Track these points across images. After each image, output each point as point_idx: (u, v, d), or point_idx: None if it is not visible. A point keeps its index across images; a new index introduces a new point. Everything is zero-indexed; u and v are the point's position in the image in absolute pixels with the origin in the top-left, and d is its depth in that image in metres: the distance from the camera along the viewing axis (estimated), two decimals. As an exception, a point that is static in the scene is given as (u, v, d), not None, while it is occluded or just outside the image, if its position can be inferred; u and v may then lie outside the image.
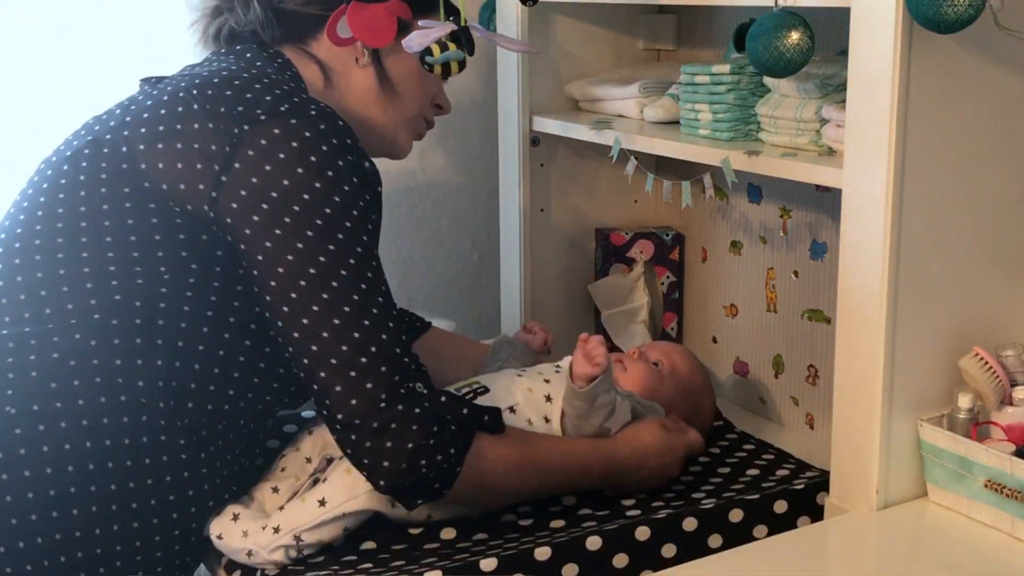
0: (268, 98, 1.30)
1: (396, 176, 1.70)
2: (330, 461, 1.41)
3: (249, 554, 1.30)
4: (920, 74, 1.23)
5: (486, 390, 1.45)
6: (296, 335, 1.25)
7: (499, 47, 1.69)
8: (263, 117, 1.28)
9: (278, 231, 1.25)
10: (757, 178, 1.74)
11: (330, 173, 1.26)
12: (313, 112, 1.30)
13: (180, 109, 1.30)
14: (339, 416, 1.24)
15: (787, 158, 1.41)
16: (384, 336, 1.26)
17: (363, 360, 1.24)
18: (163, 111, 1.31)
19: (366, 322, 1.25)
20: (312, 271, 1.25)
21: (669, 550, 1.34)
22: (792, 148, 1.46)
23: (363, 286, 1.26)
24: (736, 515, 1.38)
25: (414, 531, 1.37)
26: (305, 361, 1.25)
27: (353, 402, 1.23)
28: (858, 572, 1.28)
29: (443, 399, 1.28)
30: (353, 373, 1.24)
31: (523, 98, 1.86)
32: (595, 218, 1.99)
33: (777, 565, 1.26)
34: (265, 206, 1.25)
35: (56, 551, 1.22)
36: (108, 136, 1.33)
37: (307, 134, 1.27)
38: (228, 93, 1.30)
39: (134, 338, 1.26)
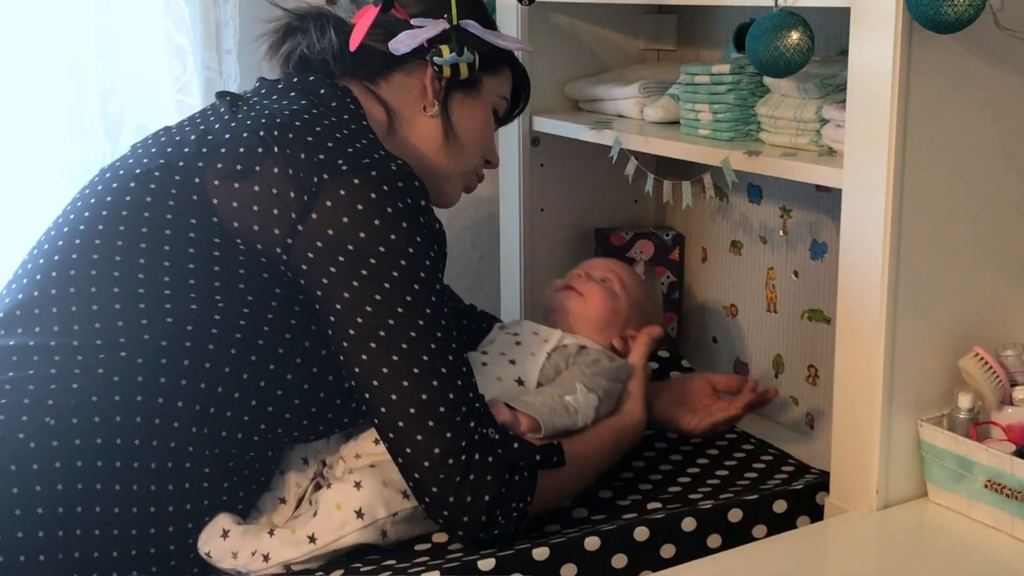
0: (349, 150, 1.30)
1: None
2: (324, 464, 1.40)
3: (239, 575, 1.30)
4: (920, 74, 1.23)
5: None
6: (376, 383, 1.27)
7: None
8: (344, 167, 1.28)
9: (356, 283, 1.26)
10: (757, 178, 1.74)
11: (405, 225, 1.27)
12: (393, 168, 1.30)
13: (260, 150, 1.29)
14: (423, 464, 1.26)
15: (787, 158, 1.41)
16: (460, 382, 1.28)
17: (441, 409, 1.26)
18: (241, 149, 1.30)
19: (444, 369, 1.27)
20: (391, 322, 1.26)
21: (668, 550, 1.34)
22: (792, 148, 1.46)
23: (439, 334, 1.28)
24: (735, 515, 1.38)
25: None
26: (383, 410, 1.27)
27: (436, 451, 1.26)
28: (858, 572, 1.28)
29: (515, 445, 1.30)
30: (432, 423, 1.26)
31: (523, 98, 1.86)
32: (595, 218, 1.99)
33: (777, 565, 1.26)
34: (341, 258, 1.26)
35: (55, 547, 1.21)
36: (181, 164, 1.32)
37: (385, 188, 1.28)
38: (309, 139, 1.30)
39: (182, 360, 1.26)
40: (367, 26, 1.42)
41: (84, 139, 1.83)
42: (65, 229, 1.34)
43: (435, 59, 1.40)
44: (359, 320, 1.26)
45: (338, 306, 1.27)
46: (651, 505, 1.43)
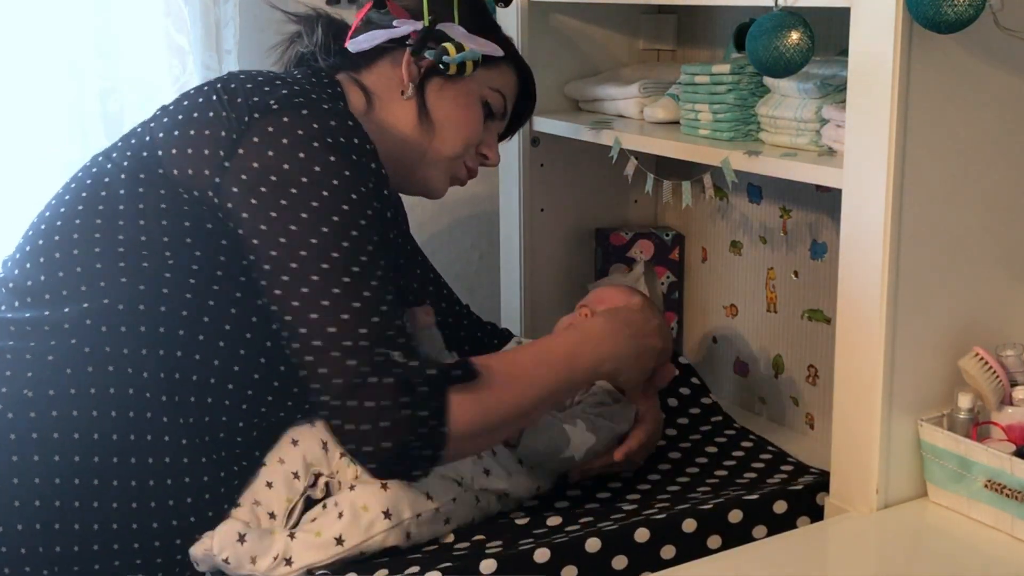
0: (285, 92, 1.32)
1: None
2: (318, 476, 1.39)
3: None
4: (920, 74, 1.23)
5: None
6: (288, 318, 1.25)
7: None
8: (275, 106, 1.29)
9: (273, 213, 1.26)
10: (757, 178, 1.74)
11: (332, 159, 1.27)
12: (325, 107, 1.31)
13: (200, 100, 1.33)
14: (324, 399, 1.24)
15: (787, 158, 1.41)
16: (375, 319, 1.25)
17: (348, 343, 1.23)
18: (186, 102, 1.34)
19: (356, 304, 1.24)
20: (303, 253, 1.25)
21: (668, 551, 1.34)
22: (792, 148, 1.46)
23: (355, 269, 1.26)
24: (735, 516, 1.38)
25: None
26: (296, 345, 1.25)
27: (336, 381, 1.23)
28: (858, 572, 1.28)
29: (413, 364, 1.25)
30: (337, 354, 1.23)
31: (523, 98, 1.86)
32: (595, 218, 1.99)
33: (777, 565, 1.26)
34: (263, 189, 1.26)
35: (53, 540, 1.23)
36: (139, 129, 1.37)
37: (314, 125, 1.28)
38: (249, 86, 1.32)
39: (139, 326, 1.27)
40: (357, 21, 1.46)
41: (84, 139, 1.83)
42: (47, 211, 1.38)
43: (444, 58, 1.41)
44: (273, 252, 1.25)
45: (255, 240, 1.26)
46: (651, 501, 1.43)
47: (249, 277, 1.29)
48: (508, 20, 1.83)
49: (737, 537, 1.37)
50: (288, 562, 1.27)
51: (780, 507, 1.41)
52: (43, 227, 1.35)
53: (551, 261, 1.96)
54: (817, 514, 1.41)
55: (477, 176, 1.58)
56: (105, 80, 1.84)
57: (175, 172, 1.30)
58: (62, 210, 1.34)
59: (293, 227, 1.25)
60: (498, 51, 1.46)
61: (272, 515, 1.35)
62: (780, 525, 1.40)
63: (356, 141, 1.30)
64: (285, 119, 1.28)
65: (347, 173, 1.28)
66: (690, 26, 1.92)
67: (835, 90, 1.41)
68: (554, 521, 1.39)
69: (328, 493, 1.38)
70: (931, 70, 1.24)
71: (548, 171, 1.92)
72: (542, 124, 1.86)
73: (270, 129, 1.27)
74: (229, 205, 1.28)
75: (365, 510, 1.29)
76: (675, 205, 1.65)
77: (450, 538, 1.36)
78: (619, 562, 1.31)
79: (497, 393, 1.31)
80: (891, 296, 1.28)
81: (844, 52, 1.30)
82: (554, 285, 1.97)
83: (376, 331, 1.24)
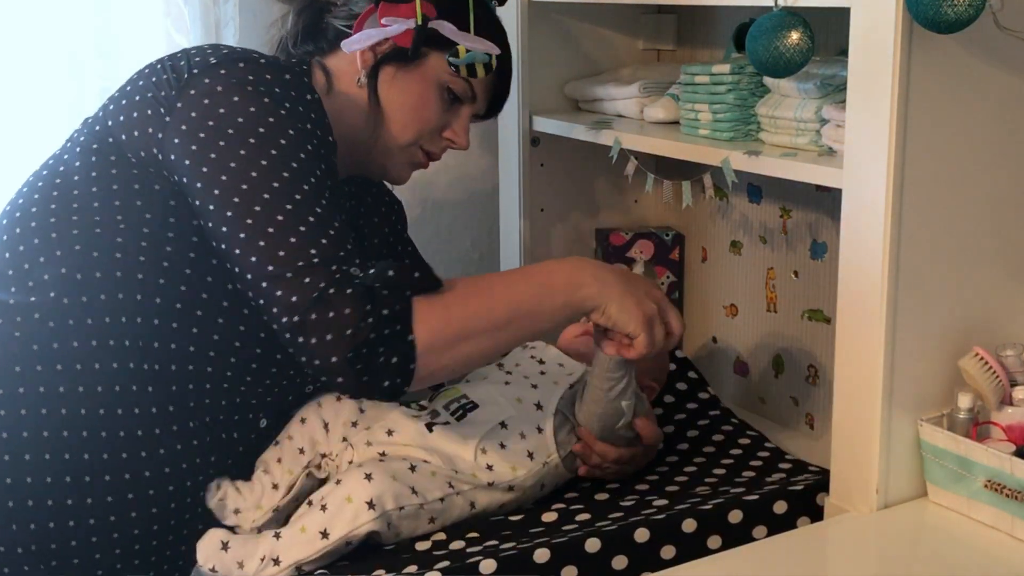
0: (225, 51, 1.34)
1: (396, 176, 1.70)
2: (324, 456, 1.40)
3: None
4: (920, 74, 1.23)
5: (475, 405, 1.45)
6: (237, 252, 1.26)
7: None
8: (213, 61, 1.32)
9: (213, 155, 1.27)
10: (757, 178, 1.74)
11: (266, 100, 1.29)
12: (263, 61, 1.33)
13: (147, 71, 1.36)
14: (284, 320, 1.23)
15: (787, 158, 1.41)
16: (324, 241, 1.25)
17: (300, 263, 1.23)
18: (135, 75, 1.37)
19: (302, 228, 1.25)
20: (245, 186, 1.26)
21: (668, 551, 1.34)
22: (792, 148, 1.46)
23: (298, 196, 1.26)
24: (735, 516, 1.38)
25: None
26: (249, 277, 1.25)
27: (294, 299, 1.22)
28: (858, 572, 1.28)
29: (372, 271, 1.24)
30: (290, 274, 1.23)
31: (523, 98, 1.86)
32: (595, 218, 1.99)
33: (777, 565, 1.26)
34: (201, 135, 1.28)
35: (47, 539, 1.25)
36: (100, 113, 1.38)
37: (250, 76, 1.30)
38: (194, 51, 1.35)
39: (98, 294, 1.28)
40: (357, 27, 1.45)
41: (84, 139, 1.83)
42: (16, 199, 1.40)
43: (451, 59, 1.41)
44: (216, 191, 1.26)
45: (199, 184, 1.28)
46: (648, 498, 1.43)
47: (201, 236, 1.30)
48: (508, 20, 1.83)
49: (737, 537, 1.37)
50: (276, 562, 1.28)
51: (780, 507, 1.40)
52: (8, 209, 1.37)
53: (551, 261, 1.96)
54: (817, 514, 1.41)
55: (439, 160, 1.56)
56: (105, 80, 1.84)
57: (123, 137, 1.32)
58: (36, 196, 1.35)
59: (233, 164, 1.26)
60: (494, 49, 1.45)
61: (276, 486, 1.38)
62: (780, 525, 1.40)
63: (294, 93, 1.32)
64: (222, 71, 1.30)
65: (283, 113, 1.29)
66: (690, 26, 1.92)
67: (835, 90, 1.41)
68: (549, 517, 1.39)
69: (327, 476, 1.40)
70: (931, 70, 1.24)
71: (548, 171, 1.92)
72: (542, 124, 1.86)
73: (207, 80, 1.30)
74: (172, 157, 1.29)
75: (349, 501, 1.30)
76: (675, 205, 1.65)
77: (443, 536, 1.36)
78: (619, 562, 1.31)
79: (464, 302, 1.29)
80: (891, 296, 1.28)
81: (844, 52, 1.30)
82: (554, 285, 1.97)
83: (327, 250, 1.24)
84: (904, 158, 1.25)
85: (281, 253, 1.23)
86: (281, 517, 1.37)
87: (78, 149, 1.35)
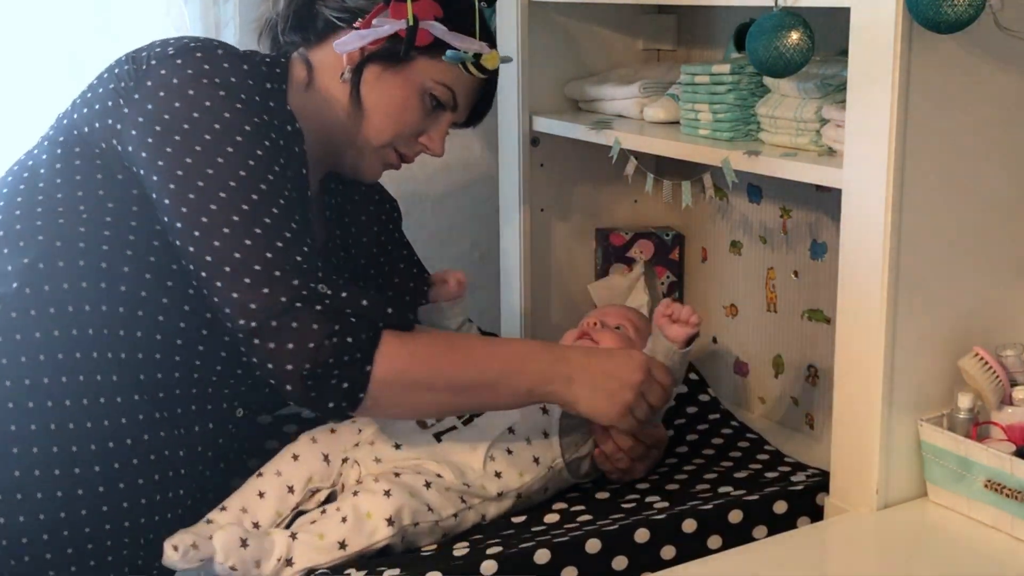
0: (186, 41, 1.35)
1: (396, 176, 1.70)
2: (313, 493, 1.40)
3: None
4: (920, 74, 1.23)
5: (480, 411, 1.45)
6: (192, 249, 1.26)
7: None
8: (170, 52, 1.33)
9: (169, 149, 1.28)
10: (757, 178, 1.74)
11: (222, 93, 1.30)
12: (220, 51, 1.33)
13: (112, 63, 1.37)
14: (240, 323, 1.24)
15: (787, 158, 1.41)
16: (280, 244, 1.25)
17: (257, 267, 1.24)
18: (104, 68, 1.38)
19: (257, 230, 1.25)
20: (200, 183, 1.26)
21: (668, 552, 1.34)
22: (792, 148, 1.46)
23: (254, 196, 1.26)
24: (736, 516, 1.38)
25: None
26: (204, 275, 1.26)
27: (252, 307, 1.23)
28: (858, 572, 1.28)
29: (344, 295, 1.25)
30: (248, 280, 1.24)
31: (523, 98, 1.86)
32: (595, 218, 1.99)
33: (777, 565, 1.26)
34: (158, 128, 1.28)
35: (59, 527, 1.26)
36: (69, 108, 1.39)
37: (206, 66, 1.31)
38: (157, 43, 1.36)
39: (61, 283, 1.29)
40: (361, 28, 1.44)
41: (84, 139, 1.83)
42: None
43: (447, 53, 1.41)
44: (172, 186, 1.27)
45: (155, 177, 1.28)
46: (648, 499, 1.43)
47: (163, 225, 1.30)
48: (508, 20, 1.83)
49: (737, 537, 1.37)
50: (289, 563, 1.27)
51: (780, 507, 1.41)
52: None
53: (551, 261, 1.95)
54: (817, 514, 1.41)
55: (412, 163, 1.56)
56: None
57: (86, 129, 1.33)
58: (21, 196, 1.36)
59: (188, 160, 1.27)
60: (485, 48, 1.45)
61: (256, 525, 1.36)
62: (780, 525, 1.40)
63: (251, 82, 1.32)
64: (178, 61, 1.31)
65: (239, 107, 1.30)
66: (690, 26, 1.92)
67: (835, 90, 1.41)
68: (552, 518, 1.39)
69: (326, 502, 1.39)
70: (931, 70, 1.24)
71: (548, 171, 1.92)
72: (542, 124, 1.86)
73: (163, 72, 1.31)
74: (130, 149, 1.30)
75: (369, 517, 1.30)
76: (675, 205, 1.65)
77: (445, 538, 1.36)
78: (619, 563, 1.31)
79: (432, 352, 1.30)
80: (891, 296, 1.28)
81: (844, 52, 1.30)
82: (554, 285, 1.97)
83: (285, 257, 1.24)
84: (904, 158, 1.25)
85: (237, 255, 1.24)
86: None
87: (46, 143, 1.37)
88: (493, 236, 2.10)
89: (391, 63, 1.44)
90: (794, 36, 1.29)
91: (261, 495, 1.38)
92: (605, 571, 1.30)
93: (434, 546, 1.35)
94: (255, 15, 1.60)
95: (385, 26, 1.41)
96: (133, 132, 1.30)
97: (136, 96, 1.30)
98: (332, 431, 1.45)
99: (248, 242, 1.24)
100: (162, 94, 1.29)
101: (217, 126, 1.28)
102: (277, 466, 1.41)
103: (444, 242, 2.22)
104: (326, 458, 1.41)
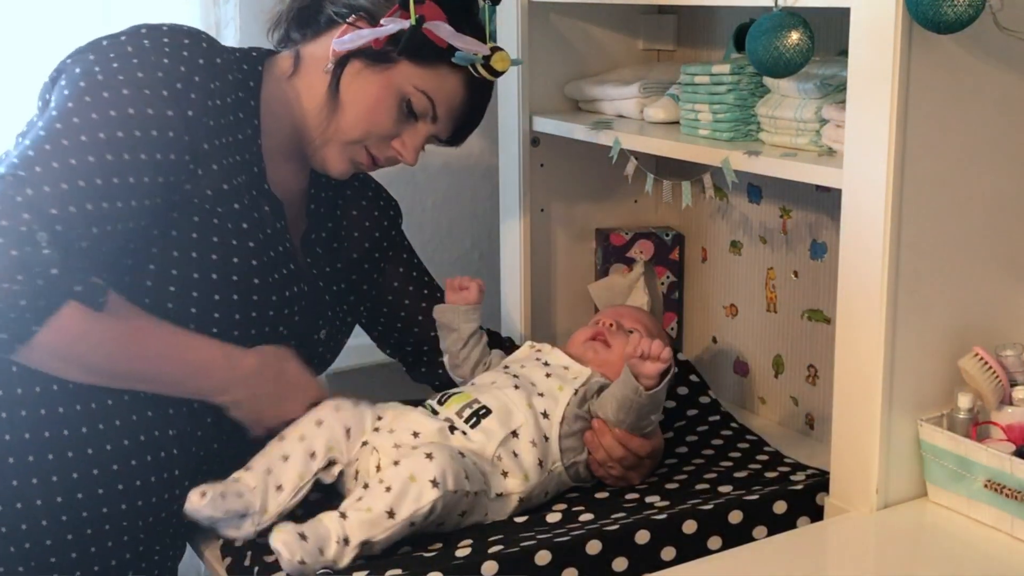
0: (113, 35, 1.36)
1: (396, 176, 1.70)
2: (332, 462, 1.40)
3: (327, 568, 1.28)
4: (920, 74, 1.23)
5: (488, 411, 1.44)
6: None
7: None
8: (87, 48, 1.34)
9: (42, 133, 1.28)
10: (757, 178, 1.74)
11: (105, 95, 1.29)
12: (147, 44, 1.33)
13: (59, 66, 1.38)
14: None
15: (787, 158, 1.41)
16: (31, 191, 1.22)
17: (10, 191, 1.21)
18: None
19: (22, 173, 1.23)
20: (42, 132, 1.27)
21: (669, 552, 1.34)
22: (792, 148, 1.46)
23: (47, 147, 1.25)
24: (736, 516, 1.38)
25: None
26: None
27: None
28: (858, 572, 1.28)
29: (47, 253, 1.21)
30: None
31: (523, 98, 1.86)
32: (595, 218, 1.99)
33: (777, 565, 1.26)
34: (65, 82, 1.31)
35: (63, 530, 1.28)
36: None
37: (111, 54, 1.32)
38: (101, 38, 1.37)
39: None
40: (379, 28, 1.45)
41: (83, 139, 1.83)
42: None
43: (456, 54, 1.41)
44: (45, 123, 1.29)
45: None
46: (647, 499, 1.43)
47: (143, 212, 1.30)
48: (508, 20, 1.83)
49: (737, 537, 1.37)
50: (346, 541, 1.28)
51: (780, 507, 1.41)
52: None
53: (551, 261, 1.95)
54: (817, 514, 1.41)
55: (384, 168, 1.55)
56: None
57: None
58: None
59: (42, 131, 1.27)
60: (485, 49, 1.45)
61: (280, 487, 1.37)
62: (780, 525, 1.40)
63: (160, 74, 1.31)
64: (91, 56, 1.32)
65: (106, 94, 1.28)
66: (690, 26, 1.92)
67: (835, 90, 1.41)
68: (553, 518, 1.39)
69: (340, 481, 1.40)
70: (931, 70, 1.24)
71: (548, 171, 1.92)
72: (542, 124, 1.85)
73: (77, 70, 1.32)
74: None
75: (413, 480, 1.30)
76: (675, 205, 1.65)
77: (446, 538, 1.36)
78: (619, 564, 1.31)
79: (106, 339, 1.27)
80: (891, 296, 1.28)
81: (844, 52, 1.30)
82: (554, 285, 1.97)
83: (33, 200, 1.21)
84: (904, 158, 1.25)
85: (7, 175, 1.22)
86: (284, 519, 1.36)
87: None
88: (493, 236, 2.10)
89: (374, 61, 1.45)
90: (794, 36, 1.29)
91: (285, 459, 1.39)
92: (605, 572, 1.30)
93: (438, 546, 1.35)
94: (256, 14, 1.60)
95: (390, 26, 1.41)
96: (42, 133, 1.28)
97: (48, 97, 1.34)
98: (355, 403, 1.46)
99: (22, 172, 1.22)
100: (66, 92, 1.30)
101: (71, 105, 1.28)
102: (301, 430, 1.41)
103: (444, 242, 2.22)
104: (348, 432, 1.42)
